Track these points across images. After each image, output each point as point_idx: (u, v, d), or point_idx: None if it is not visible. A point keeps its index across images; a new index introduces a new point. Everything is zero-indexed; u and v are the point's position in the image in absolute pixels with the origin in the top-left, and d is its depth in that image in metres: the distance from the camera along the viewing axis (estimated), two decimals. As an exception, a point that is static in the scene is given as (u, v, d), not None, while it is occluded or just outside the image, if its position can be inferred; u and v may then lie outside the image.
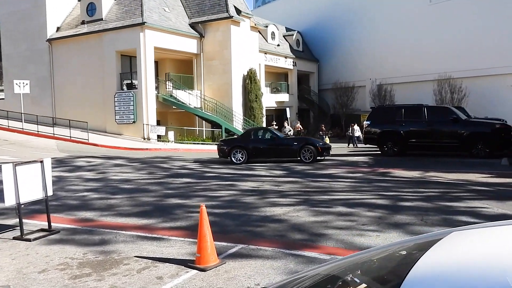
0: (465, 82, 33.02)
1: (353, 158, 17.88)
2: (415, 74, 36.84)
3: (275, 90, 38.50)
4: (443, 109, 18.63)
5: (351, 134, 28.08)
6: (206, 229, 5.04)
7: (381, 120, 17.10)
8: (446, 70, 33.88)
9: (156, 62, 28.01)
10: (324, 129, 28.00)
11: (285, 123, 29.61)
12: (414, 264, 1.25)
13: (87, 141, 23.23)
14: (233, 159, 16.39)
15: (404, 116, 16.82)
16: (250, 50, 31.14)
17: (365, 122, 18.40)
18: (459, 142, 16.15)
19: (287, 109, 36.27)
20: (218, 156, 17.31)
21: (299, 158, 15.85)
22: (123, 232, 6.69)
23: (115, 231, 6.76)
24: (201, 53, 29.56)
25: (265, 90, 33.64)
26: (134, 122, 25.94)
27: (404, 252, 1.56)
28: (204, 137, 28.90)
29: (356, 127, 28.78)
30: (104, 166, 14.82)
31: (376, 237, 6.05)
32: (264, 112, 31.78)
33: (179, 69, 30.33)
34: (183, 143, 26.35)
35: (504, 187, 10.14)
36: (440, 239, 1.48)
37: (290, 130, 27.47)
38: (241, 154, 16.41)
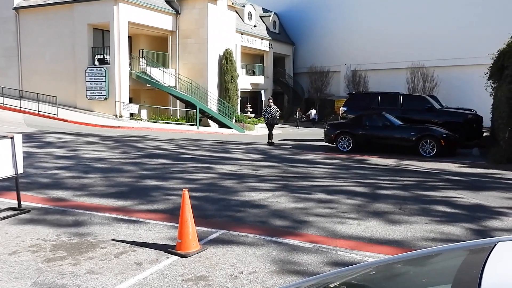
0: (437, 71, 33.65)
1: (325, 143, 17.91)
2: (389, 62, 37.28)
3: (250, 72, 38.21)
4: (418, 97, 18.87)
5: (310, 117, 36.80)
6: (188, 215, 4.89)
7: (358, 107, 17.15)
8: (419, 59, 34.44)
9: (129, 38, 27.19)
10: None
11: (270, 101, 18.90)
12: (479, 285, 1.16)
13: (56, 116, 22.46)
14: (339, 146, 15.01)
15: (380, 104, 16.92)
16: (227, 29, 30.65)
17: (341, 108, 18.45)
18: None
19: (262, 92, 36.09)
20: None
21: (420, 151, 13.72)
22: (98, 213, 6.46)
23: (89, 212, 6.53)
24: (177, 31, 28.90)
25: (240, 71, 33.32)
26: (106, 98, 25.22)
27: (453, 265, 1.47)
28: (178, 117, 28.46)
29: (313, 110, 37.59)
30: (75, 143, 14.35)
31: (357, 226, 6.04)
32: (239, 94, 31.53)
33: (154, 46, 29.58)
34: (157, 122, 25.88)
35: (476, 177, 10.36)
36: (488, 252, 1.39)
37: (277, 110, 18.42)
38: (348, 141, 14.87)
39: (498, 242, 1.48)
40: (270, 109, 17.89)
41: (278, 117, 18.20)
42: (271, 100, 18.66)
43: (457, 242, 1.84)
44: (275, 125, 18.40)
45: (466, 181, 9.77)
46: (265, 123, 18.45)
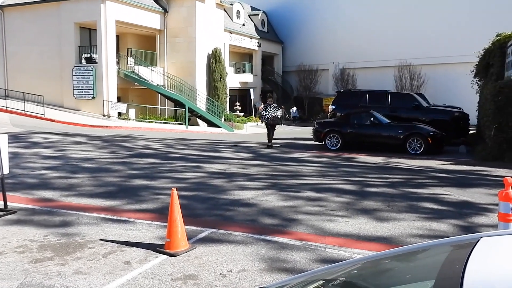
0: (424, 69, 33.91)
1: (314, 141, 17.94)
2: (377, 60, 37.48)
3: (239, 70, 38.18)
4: (406, 95, 18.99)
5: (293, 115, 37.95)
6: (177, 214, 4.88)
7: (346, 105, 17.21)
8: (406, 57, 34.68)
9: (117, 37, 26.98)
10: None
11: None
12: (461, 282, 1.18)
13: (43, 116, 22.22)
14: (327, 144, 15.00)
15: (368, 102, 17.02)
16: (215, 28, 30.58)
17: (330, 107, 18.51)
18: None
19: (251, 90, 36.12)
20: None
21: (407, 149, 13.81)
22: (86, 213, 6.41)
23: (77, 212, 6.48)
24: (165, 29, 28.74)
25: (229, 70, 33.27)
26: (93, 98, 25.00)
27: (437, 261, 1.50)
28: (167, 116, 28.32)
29: (294, 108, 38.39)
30: (62, 143, 14.21)
31: (345, 223, 6.08)
32: (228, 92, 31.50)
33: (142, 45, 29.39)
34: (145, 121, 25.74)
35: (463, 174, 10.47)
36: (471, 247, 1.42)
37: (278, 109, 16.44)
38: (337, 140, 14.86)
39: (481, 237, 1.51)
40: (270, 108, 15.99)
41: (280, 116, 16.22)
42: (271, 99, 16.74)
43: (443, 238, 1.87)
44: (277, 125, 16.41)
45: (453, 178, 9.87)
46: (265, 124, 16.34)
